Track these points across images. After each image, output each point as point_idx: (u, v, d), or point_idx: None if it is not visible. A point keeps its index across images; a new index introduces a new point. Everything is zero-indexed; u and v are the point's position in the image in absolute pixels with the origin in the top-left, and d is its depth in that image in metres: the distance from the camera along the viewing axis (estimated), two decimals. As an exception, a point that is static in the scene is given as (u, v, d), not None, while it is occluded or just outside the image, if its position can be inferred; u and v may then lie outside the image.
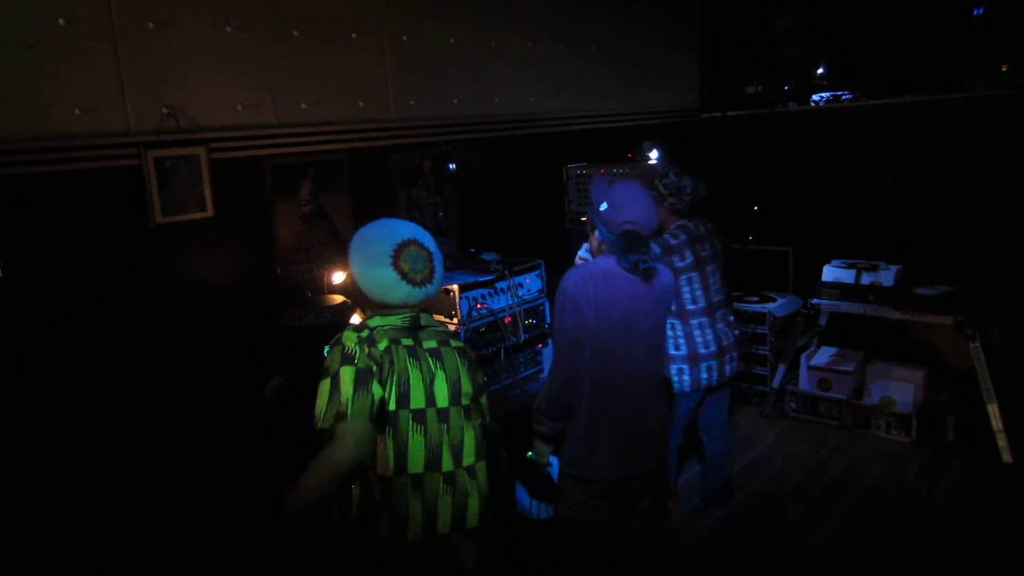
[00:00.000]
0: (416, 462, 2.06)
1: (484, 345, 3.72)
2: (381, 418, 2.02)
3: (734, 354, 3.78)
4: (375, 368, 2.00)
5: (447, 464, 2.11)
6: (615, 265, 2.57)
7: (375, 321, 2.11)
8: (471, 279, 3.73)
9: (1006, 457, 4.39)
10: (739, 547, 3.78)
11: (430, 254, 2.18)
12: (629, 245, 2.54)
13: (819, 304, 5.10)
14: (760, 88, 6.18)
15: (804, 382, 5.27)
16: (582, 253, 3.45)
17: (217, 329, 3.23)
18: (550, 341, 3.95)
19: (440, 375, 2.13)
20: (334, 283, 3.48)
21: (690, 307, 3.65)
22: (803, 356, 5.31)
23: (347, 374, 1.97)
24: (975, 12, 5.47)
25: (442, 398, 2.13)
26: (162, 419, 3.06)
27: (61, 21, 2.77)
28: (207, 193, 3.20)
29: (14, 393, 2.71)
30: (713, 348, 3.66)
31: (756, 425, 5.19)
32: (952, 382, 4.94)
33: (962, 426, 4.68)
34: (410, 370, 2.07)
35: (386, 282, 2.10)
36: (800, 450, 4.81)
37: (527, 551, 3.48)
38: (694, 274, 3.63)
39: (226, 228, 3.29)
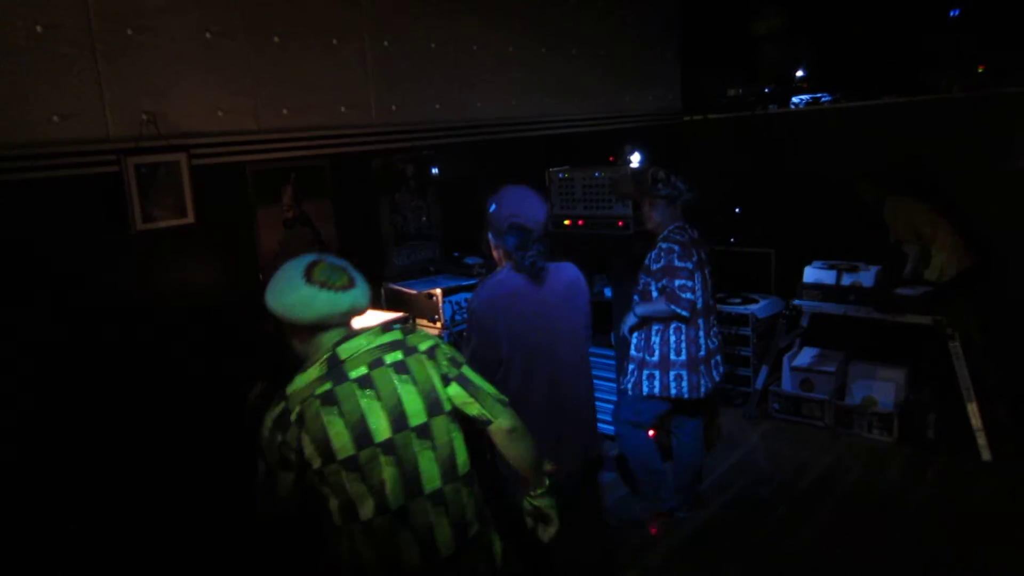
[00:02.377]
0: (396, 496, 1.92)
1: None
2: (320, 477, 1.90)
3: (702, 367, 3.71)
4: (284, 455, 1.90)
5: (432, 482, 1.97)
6: (512, 273, 2.55)
7: (292, 386, 1.95)
8: (454, 283, 3.76)
9: (985, 455, 4.44)
10: (723, 547, 3.80)
11: (343, 266, 2.02)
12: (520, 242, 2.51)
13: (801, 305, 5.14)
14: (741, 91, 6.22)
15: (787, 383, 5.31)
16: None
17: (199, 335, 3.21)
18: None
19: (408, 391, 1.99)
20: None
21: None
22: (785, 357, 5.34)
23: (261, 467, 1.96)
24: (951, 13, 5.54)
25: (416, 414, 1.98)
26: (146, 426, 3.05)
27: (39, 28, 2.75)
28: (188, 199, 3.18)
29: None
30: (684, 357, 3.66)
31: (739, 426, 5.22)
32: (933, 381, 4.99)
33: (942, 425, 4.72)
34: (341, 415, 1.89)
35: (305, 297, 1.95)
36: (783, 450, 4.84)
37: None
38: (696, 274, 3.60)
39: (208, 235, 3.27)
